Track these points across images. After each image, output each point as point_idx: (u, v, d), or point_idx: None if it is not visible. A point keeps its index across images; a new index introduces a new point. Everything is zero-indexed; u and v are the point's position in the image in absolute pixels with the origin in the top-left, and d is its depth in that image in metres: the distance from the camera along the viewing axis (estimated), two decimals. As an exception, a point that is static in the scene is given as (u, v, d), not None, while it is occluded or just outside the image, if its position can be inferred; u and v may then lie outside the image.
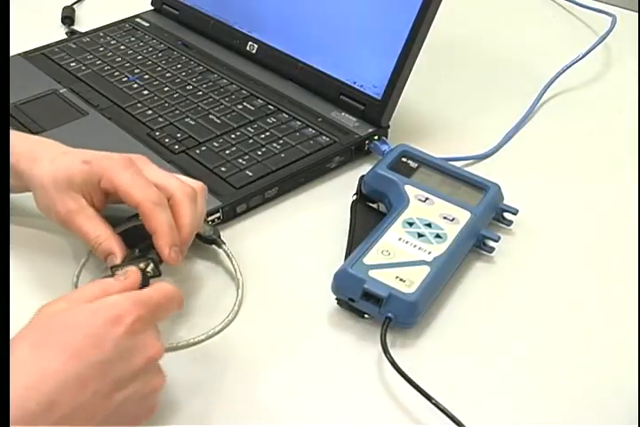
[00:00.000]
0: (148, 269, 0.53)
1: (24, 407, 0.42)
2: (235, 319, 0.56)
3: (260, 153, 0.70)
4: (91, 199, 0.57)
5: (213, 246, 0.62)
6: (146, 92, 0.78)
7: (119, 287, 0.50)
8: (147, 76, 0.81)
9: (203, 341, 0.55)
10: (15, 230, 0.61)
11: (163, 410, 0.50)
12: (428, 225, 0.60)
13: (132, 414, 0.47)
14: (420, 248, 0.58)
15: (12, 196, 0.60)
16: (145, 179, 0.56)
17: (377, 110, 0.73)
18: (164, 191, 0.56)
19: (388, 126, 0.74)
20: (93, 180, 0.57)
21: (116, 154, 0.58)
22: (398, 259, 0.57)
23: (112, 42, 0.88)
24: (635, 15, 0.98)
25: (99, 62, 0.84)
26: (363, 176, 0.67)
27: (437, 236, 0.59)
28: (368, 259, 0.57)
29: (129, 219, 0.60)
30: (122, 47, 0.87)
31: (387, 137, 0.74)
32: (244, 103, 0.77)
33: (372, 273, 0.56)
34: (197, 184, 0.59)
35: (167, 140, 0.71)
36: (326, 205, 0.68)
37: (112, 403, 0.45)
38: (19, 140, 0.60)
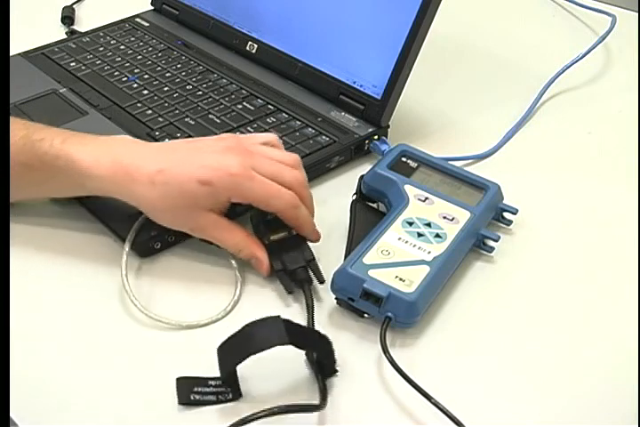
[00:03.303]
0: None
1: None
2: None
3: (259, 153, 0.70)
4: (219, 210, 0.59)
5: (213, 246, 0.62)
6: (146, 91, 0.78)
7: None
8: (146, 76, 0.81)
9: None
10: (15, 229, 0.61)
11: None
12: (428, 225, 0.60)
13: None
14: (419, 248, 0.58)
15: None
16: (273, 186, 0.58)
17: (377, 110, 0.73)
18: (283, 185, 0.58)
19: (388, 126, 0.74)
20: (222, 200, 0.58)
21: (231, 162, 0.57)
22: (398, 258, 0.57)
23: (112, 42, 0.88)
24: (635, 15, 0.98)
25: (98, 62, 0.84)
26: (362, 176, 0.67)
27: (437, 235, 0.59)
28: (367, 258, 0.57)
29: None
30: (122, 47, 0.87)
31: (386, 137, 0.74)
32: (244, 103, 0.77)
33: (372, 273, 0.56)
34: (294, 158, 0.61)
35: (167, 139, 0.71)
36: (326, 204, 0.68)
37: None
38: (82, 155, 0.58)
